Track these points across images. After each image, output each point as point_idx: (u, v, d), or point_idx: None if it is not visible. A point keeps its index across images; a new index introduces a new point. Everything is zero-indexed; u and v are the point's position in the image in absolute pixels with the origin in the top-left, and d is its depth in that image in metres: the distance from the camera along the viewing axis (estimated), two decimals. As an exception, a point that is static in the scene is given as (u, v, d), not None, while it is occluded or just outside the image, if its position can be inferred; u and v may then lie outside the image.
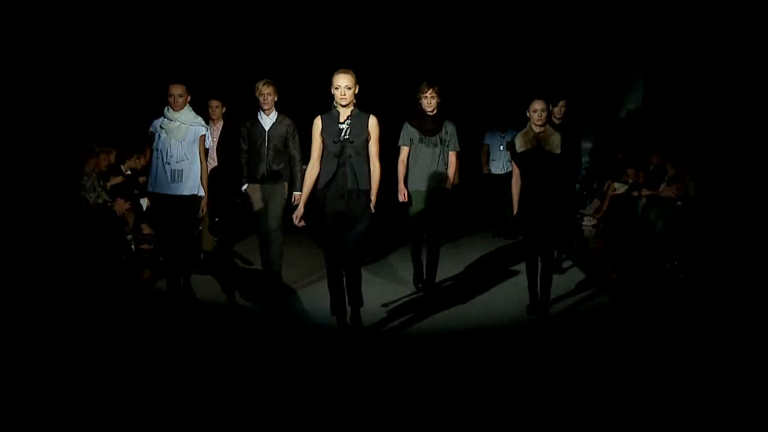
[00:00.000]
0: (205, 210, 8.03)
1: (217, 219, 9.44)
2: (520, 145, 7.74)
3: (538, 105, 7.67)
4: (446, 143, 8.44)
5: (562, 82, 13.33)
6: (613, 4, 13.77)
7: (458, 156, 8.52)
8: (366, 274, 7.89)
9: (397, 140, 8.46)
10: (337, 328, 7.04)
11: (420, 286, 8.58)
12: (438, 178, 8.40)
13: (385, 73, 10.64)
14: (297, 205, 7.39)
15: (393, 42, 13.80)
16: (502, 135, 12.02)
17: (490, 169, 12.24)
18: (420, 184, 8.40)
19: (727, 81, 11.86)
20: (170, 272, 8.01)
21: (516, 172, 7.84)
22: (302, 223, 7.02)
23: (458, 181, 8.67)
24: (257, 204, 8.45)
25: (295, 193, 8.40)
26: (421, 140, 8.43)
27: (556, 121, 8.91)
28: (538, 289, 7.71)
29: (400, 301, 8.18)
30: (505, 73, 14.44)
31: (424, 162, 8.39)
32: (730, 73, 11.85)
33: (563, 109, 9.17)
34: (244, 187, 8.55)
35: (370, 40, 13.59)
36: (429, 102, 8.35)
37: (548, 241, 7.77)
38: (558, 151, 7.67)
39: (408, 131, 8.48)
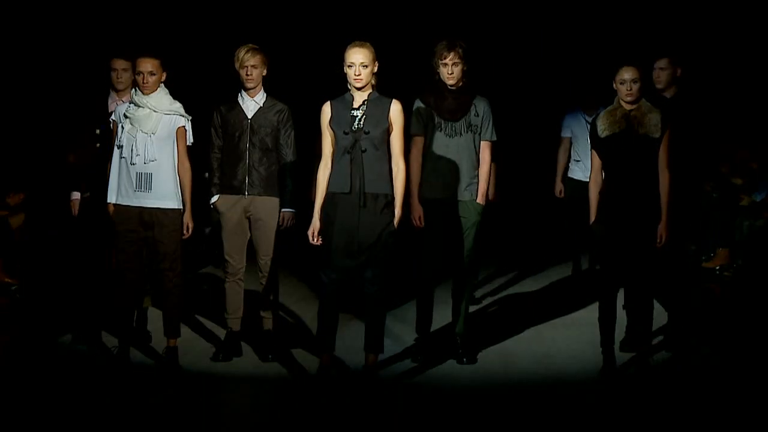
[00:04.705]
0: (190, 229, 6.02)
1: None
2: (603, 128, 5.80)
3: (627, 73, 5.74)
4: (477, 130, 6.21)
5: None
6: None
7: (494, 148, 6.22)
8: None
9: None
10: (317, 373, 5.60)
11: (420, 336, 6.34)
12: (466, 184, 6.15)
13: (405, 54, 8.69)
14: (285, 228, 6.01)
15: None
16: (589, 120, 7.68)
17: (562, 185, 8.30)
18: (437, 191, 6.10)
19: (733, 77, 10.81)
20: (121, 322, 6.06)
21: (596, 164, 5.90)
22: (319, 240, 5.47)
23: (493, 186, 6.41)
24: (230, 225, 6.21)
25: (284, 211, 6.19)
26: (439, 126, 6.08)
27: (666, 93, 6.27)
28: (619, 338, 5.95)
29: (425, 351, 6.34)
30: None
31: (443, 158, 6.08)
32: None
33: (668, 73, 6.27)
34: (214, 198, 6.25)
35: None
36: (450, 70, 6.00)
37: (644, 268, 5.84)
38: (657, 135, 5.77)
39: (421, 113, 6.09)
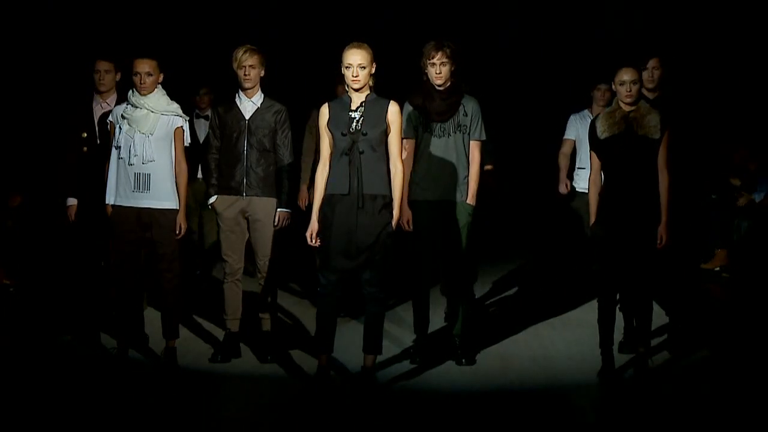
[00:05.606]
0: (183, 229, 5.99)
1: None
2: (602, 129, 5.81)
3: (626, 75, 5.74)
4: (466, 130, 6.15)
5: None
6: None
7: (483, 148, 6.15)
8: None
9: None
10: (315, 374, 5.61)
11: (420, 336, 6.24)
12: (455, 185, 6.10)
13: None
14: (281, 228, 6.01)
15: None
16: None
17: (570, 183, 7.62)
18: (428, 192, 6.06)
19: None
20: (120, 327, 6.07)
21: (596, 165, 5.91)
22: (318, 242, 5.46)
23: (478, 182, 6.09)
24: (227, 225, 6.17)
25: (280, 211, 6.18)
26: (427, 128, 6.05)
27: (649, 94, 6.24)
28: (618, 339, 5.95)
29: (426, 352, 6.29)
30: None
31: (433, 159, 6.04)
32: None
33: (658, 73, 6.31)
34: (212, 199, 6.22)
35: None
36: (438, 70, 5.96)
37: (643, 269, 5.83)
38: (657, 136, 5.78)
39: (411, 116, 6.04)
